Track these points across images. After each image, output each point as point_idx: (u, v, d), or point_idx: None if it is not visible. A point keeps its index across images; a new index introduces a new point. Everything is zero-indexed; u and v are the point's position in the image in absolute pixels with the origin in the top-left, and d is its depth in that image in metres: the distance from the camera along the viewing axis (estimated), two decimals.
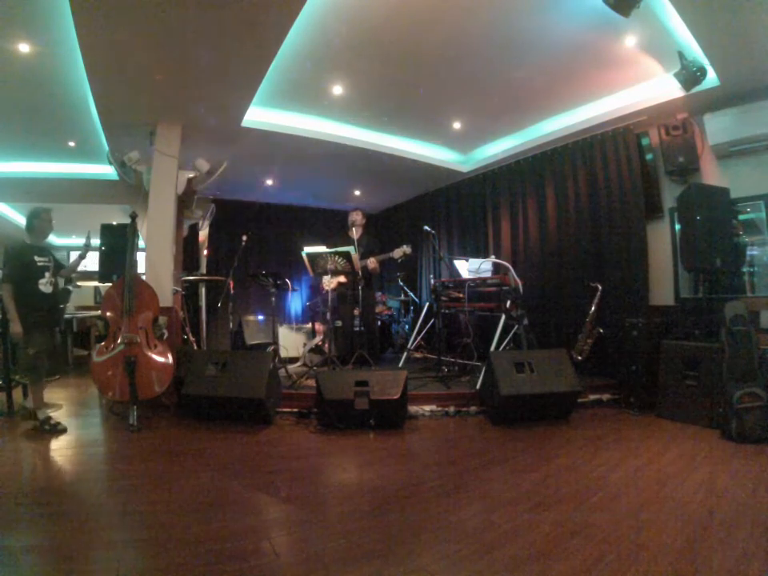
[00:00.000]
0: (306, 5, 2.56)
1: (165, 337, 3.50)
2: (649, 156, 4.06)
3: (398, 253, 4.55)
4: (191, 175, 4.33)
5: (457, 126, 4.56)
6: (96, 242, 3.75)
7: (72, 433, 2.92)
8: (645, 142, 4.06)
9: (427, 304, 4.92)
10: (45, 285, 3.11)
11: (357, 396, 2.97)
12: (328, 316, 4.12)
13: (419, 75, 3.59)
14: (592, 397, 3.64)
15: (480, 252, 5.48)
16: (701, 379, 3.09)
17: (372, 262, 4.51)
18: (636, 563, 1.44)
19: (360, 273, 4.16)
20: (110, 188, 5.48)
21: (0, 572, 1.39)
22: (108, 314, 3.19)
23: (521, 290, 4.13)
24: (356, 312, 4.59)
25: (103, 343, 3.14)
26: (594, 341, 3.91)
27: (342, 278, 4.58)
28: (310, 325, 5.73)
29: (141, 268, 3.68)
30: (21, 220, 7.25)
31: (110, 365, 3.03)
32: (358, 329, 4.56)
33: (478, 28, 2.99)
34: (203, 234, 5.55)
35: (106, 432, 3.07)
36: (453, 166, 5.54)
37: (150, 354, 3.13)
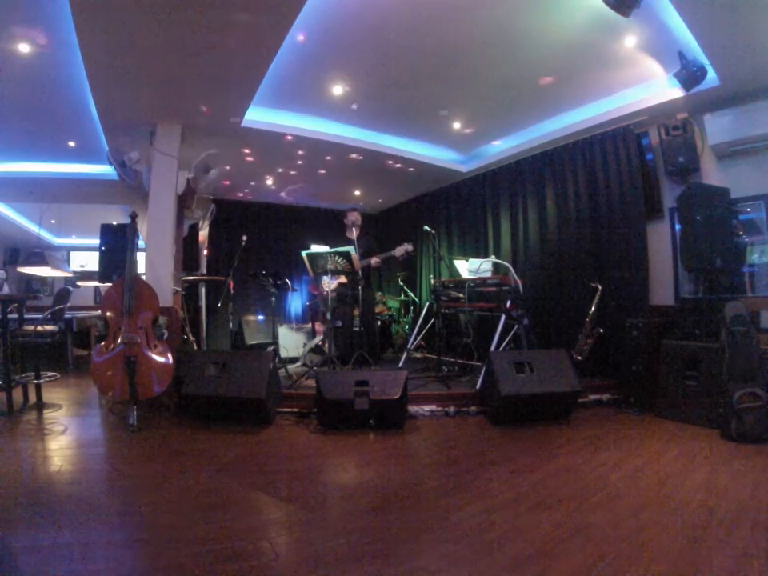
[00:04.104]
0: (305, 5, 2.56)
1: (165, 337, 3.50)
2: (649, 156, 4.06)
3: (399, 251, 4.58)
4: (191, 175, 4.33)
5: (457, 125, 4.56)
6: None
7: (72, 433, 2.93)
8: (645, 141, 4.06)
9: (427, 304, 4.92)
10: None
11: (357, 396, 2.97)
12: (328, 316, 4.12)
13: (419, 75, 3.58)
14: (592, 397, 3.64)
15: (480, 252, 5.48)
16: (701, 379, 3.09)
17: (375, 261, 4.60)
18: (636, 563, 1.44)
19: (360, 273, 4.17)
20: (110, 188, 5.48)
21: (0, 572, 1.39)
22: (108, 314, 3.19)
23: (521, 289, 4.13)
24: (356, 312, 4.60)
25: (103, 343, 3.14)
26: (593, 341, 3.91)
27: (343, 279, 4.59)
28: (309, 325, 5.74)
29: (141, 268, 3.68)
30: (21, 220, 7.27)
31: (110, 365, 3.03)
32: (357, 329, 4.57)
33: (478, 28, 2.99)
34: (203, 234, 5.56)
35: (106, 432, 3.07)
36: (453, 165, 5.54)
37: (150, 354, 3.13)
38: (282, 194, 6.33)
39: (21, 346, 3.71)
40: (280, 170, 5.60)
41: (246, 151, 4.85)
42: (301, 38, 2.99)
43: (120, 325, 3.11)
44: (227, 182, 6.03)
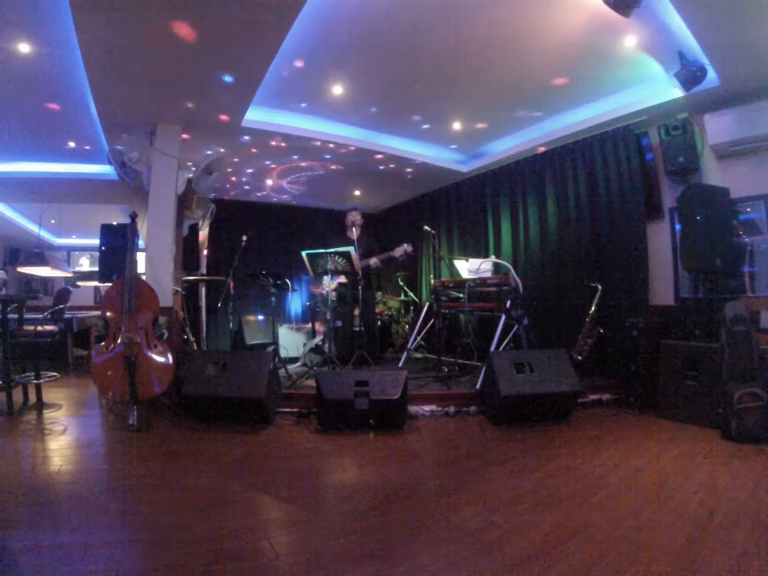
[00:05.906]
0: (306, 4, 2.56)
1: (165, 337, 3.50)
2: (649, 156, 4.06)
3: (398, 251, 4.57)
4: (191, 175, 4.33)
5: (457, 126, 4.56)
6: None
7: (72, 433, 2.93)
8: (645, 142, 4.06)
9: (427, 304, 4.92)
10: None
11: (357, 396, 2.97)
12: (328, 316, 4.12)
13: (419, 75, 3.58)
14: (592, 397, 3.64)
15: (480, 252, 5.48)
16: (701, 379, 3.09)
17: (374, 262, 4.60)
18: (636, 563, 1.44)
19: (360, 273, 4.16)
20: (110, 188, 5.49)
21: (0, 572, 1.39)
22: (108, 314, 3.19)
23: (521, 289, 4.13)
24: (356, 312, 4.60)
25: (103, 343, 3.14)
26: (594, 341, 3.90)
27: (343, 279, 4.59)
28: (309, 325, 5.74)
29: (141, 268, 3.68)
30: (21, 220, 7.27)
31: (110, 365, 3.03)
32: (357, 329, 4.57)
33: (478, 28, 2.99)
34: (203, 234, 5.55)
35: (106, 432, 3.07)
36: (453, 165, 5.53)
37: (149, 354, 3.13)
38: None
39: (21, 346, 3.71)
40: (279, 169, 5.60)
41: (246, 151, 4.85)
42: (301, 38, 2.99)
43: (120, 325, 3.11)
44: (227, 182, 6.03)
